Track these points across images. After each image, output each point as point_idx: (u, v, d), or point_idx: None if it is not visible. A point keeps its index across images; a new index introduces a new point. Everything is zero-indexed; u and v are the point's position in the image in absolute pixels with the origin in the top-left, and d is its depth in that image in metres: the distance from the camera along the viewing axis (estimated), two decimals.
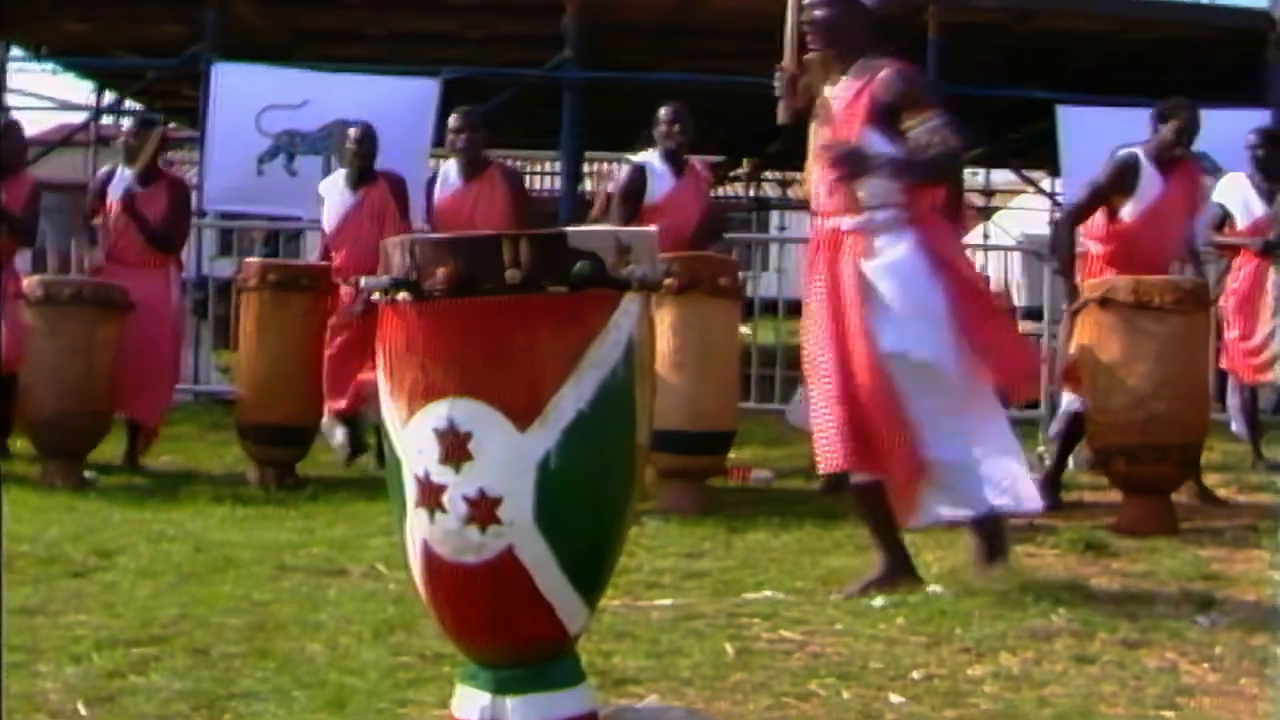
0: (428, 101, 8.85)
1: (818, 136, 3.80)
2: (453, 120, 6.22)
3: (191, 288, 9.05)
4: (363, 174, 6.33)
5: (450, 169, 6.22)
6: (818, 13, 3.76)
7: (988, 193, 19.07)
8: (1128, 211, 5.47)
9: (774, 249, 15.07)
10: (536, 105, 10.64)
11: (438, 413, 2.26)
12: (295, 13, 10.64)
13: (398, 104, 8.61)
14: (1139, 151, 5.50)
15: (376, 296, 2.47)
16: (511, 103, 9.88)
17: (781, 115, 3.93)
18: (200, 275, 9.68)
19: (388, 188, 6.34)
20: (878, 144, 3.65)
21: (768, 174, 19.84)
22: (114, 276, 6.24)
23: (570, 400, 2.26)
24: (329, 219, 6.34)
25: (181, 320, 6.83)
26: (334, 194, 6.37)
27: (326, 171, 8.07)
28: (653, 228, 2.68)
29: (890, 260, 3.66)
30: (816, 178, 3.80)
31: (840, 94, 3.75)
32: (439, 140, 7.68)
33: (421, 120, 8.67)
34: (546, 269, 2.29)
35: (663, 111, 6.01)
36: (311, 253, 7.38)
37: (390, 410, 2.39)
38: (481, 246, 2.35)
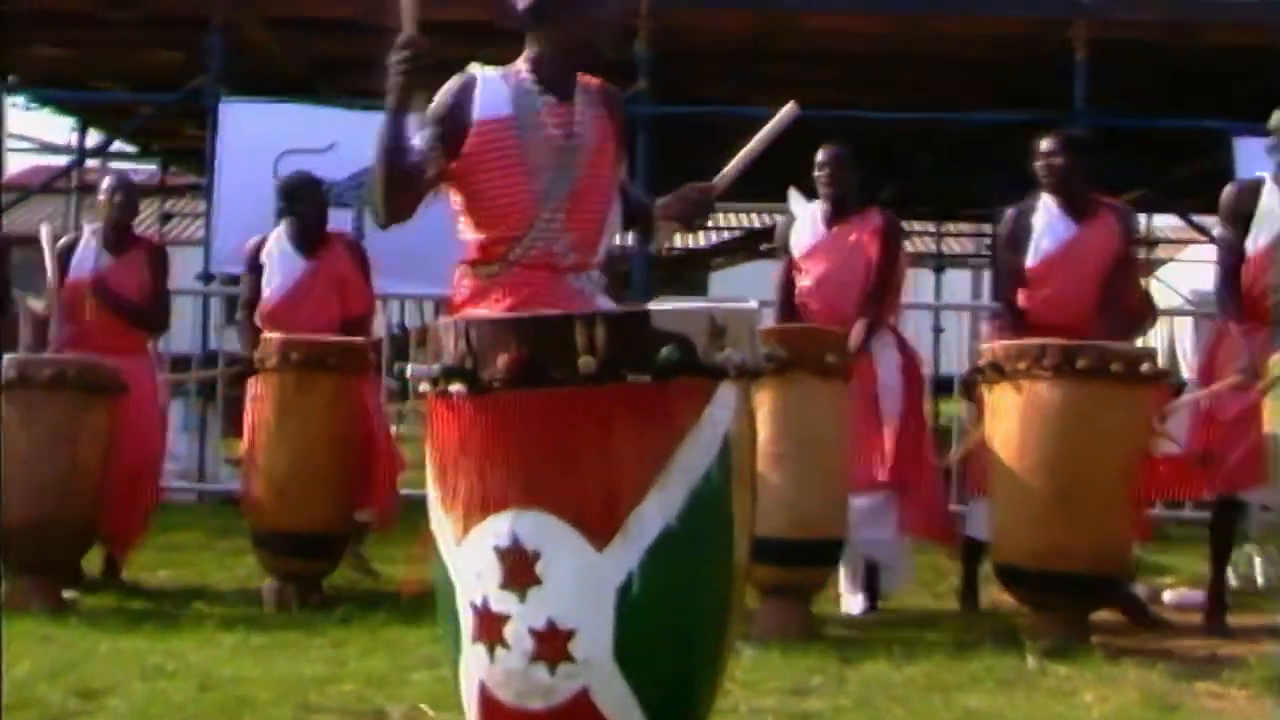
0: None
1: None
2: None
3: (196, 365, 9.16)
4: (308, 235, 6.49)
5: None
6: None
7: (1150, 242, 18.94)
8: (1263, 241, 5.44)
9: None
10: None
11: (499, 528, 2.31)
12: (317, 38, 10.71)
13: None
14: (1267, 176, 5.50)
15: (425, 388, 2.53)
16: None
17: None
18: (206, 350, 9.77)
19: (345, 250, 6.53)
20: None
21: None
22: None
23: (655, 512, 2.29)
24: (268, 289, 6.47)
25: (163, 411, 6.89)
26: (277, 261, 6.50)
27: (359, 227, 8.19)
28: (751, 303, 2.71)
29: None
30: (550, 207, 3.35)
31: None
32: None
33: None
34: (626, 355, 2.34)
35: (819, 154, 6.12)
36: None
37: (441, 524, 2.43)
38: (550, 328, 2.41)
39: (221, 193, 9.24)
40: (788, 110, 3.63)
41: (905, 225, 20.18)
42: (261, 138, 9.11)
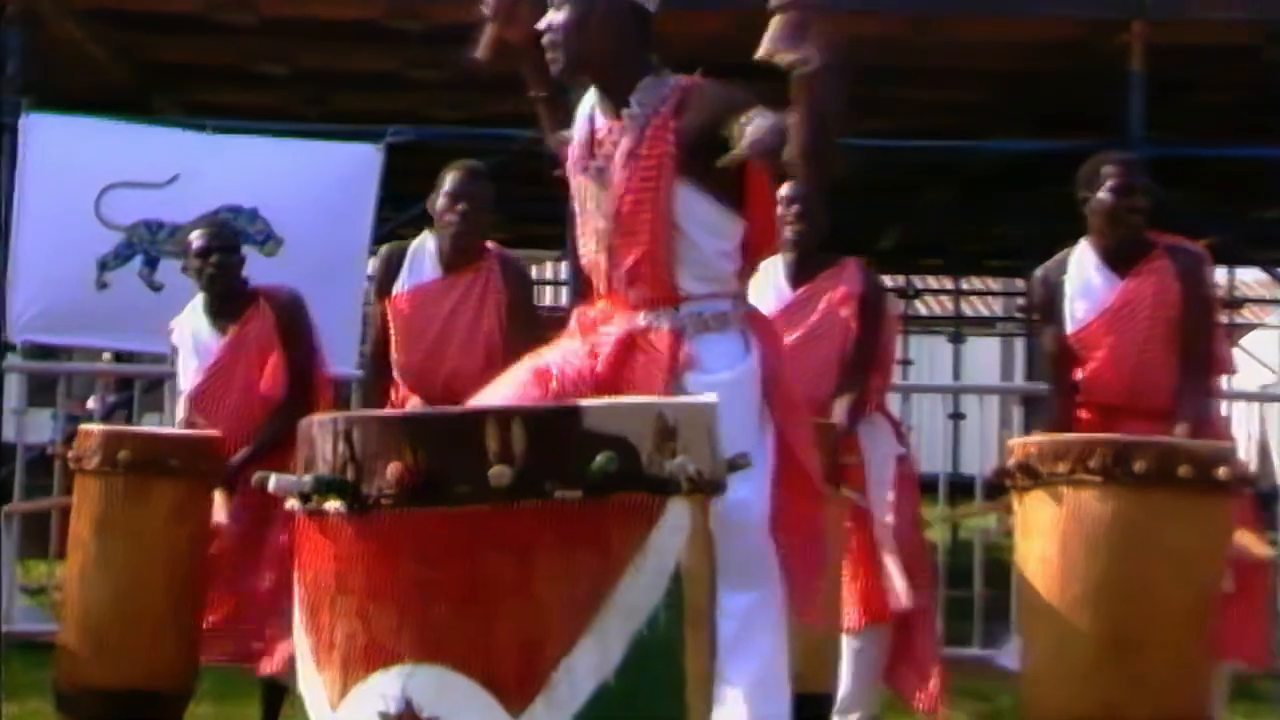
0: (364, 179, 8.99)
1: (588, 197, 4.05)
2: (449, 180, 6.14)
3: None
4: (227, 300, 6.41)
5: (427, 251, 6.19)
6: (561, 15, 3.97)
7: (1230, 302, 19.09)
8: None
9: (893, 399, 15.10)
10: (535, 182, 10.70)
11: (387, 687, 2.34)
12: (153, 40, 10.70)
13: (317, 182, 8.86)
14: None
15: (292, 504, 2.57)
16: (496, 177, 9.93)
17: (482, 48, 4.25)
18: None
19: (272, 315, 6.42)
20: (694, 207, 3.89)
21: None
22: None
23: (588, 667, 2.34)
24: (187, 377, 6.44)
25: None
26: (190, 339, 6.47)
27: None
28: (709, 397, 2.77)
29: (725, 377, 3.83)
30: (597, 251, 4.03)
31: (616, 135, 3.96)
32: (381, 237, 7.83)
33: (355, 206, 8.86)
34: (551, 464, 2.39)
35: (783, 189, 6.12)
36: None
37: (312, 682, 2.46)
38: (453, 427, 2.47)
39: (23, 236, 9.06)
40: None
41: (917, 282, 20.24)
42: (79, 166, 9.05)
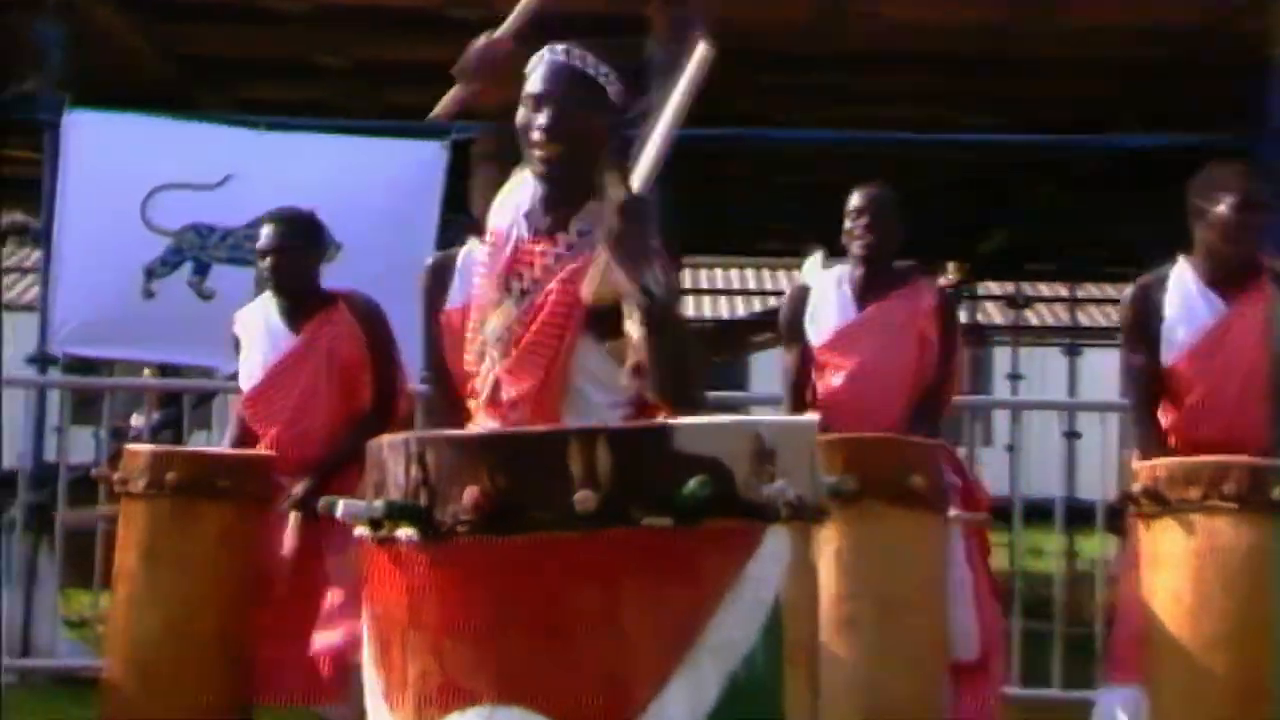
0: (428, 179, 9.01)
1: (490, 309, 3.88)
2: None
3: (25, 484, 9.12)
4: (300, 300, 6.41)
5: (478, 261, 6.17)
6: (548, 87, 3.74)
7: None
8: None
9: (1001, 416, 15.00)
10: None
11: None
12: (197, 30, 10.72)
13: (378, 183, 8.91)
14: None
15: (362, 531, 2.59)
16: None
17: (444, 106, 4.14)
18: (39, 462, 9.68)
19: (352, 319, 6.39)
20: (589, 360, 3.75)
21: (985, 287, 19.96)
22: None
23: (679, 709, 2.35)
24: (249, 373, 6.44)
25: None
26: (259, 332, 6.46)
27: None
28: (811, 416, 2.79)
29: None
30: (485, 372, 3.89)
31: (546, 257, 3.81)
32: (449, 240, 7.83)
33: (419, 209, 8.88)
34: (639, 489, 2.40)
35: (853, 199, 6.11)
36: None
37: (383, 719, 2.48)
38: (535, 451, 2.47)
39: (65, 242, 9.16)
40: (702, 53, 3.69)
41: (1028, 289, 19.94)
42: (125, 167, 9.12)
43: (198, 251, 9.03)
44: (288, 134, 9.43)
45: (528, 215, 3.81)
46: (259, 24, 10.26)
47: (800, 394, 6.11)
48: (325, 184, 8.17)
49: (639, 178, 3.55)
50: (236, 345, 6.48)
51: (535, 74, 3.74)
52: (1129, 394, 5.90)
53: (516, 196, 3.86)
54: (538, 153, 3.71)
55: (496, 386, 3.80)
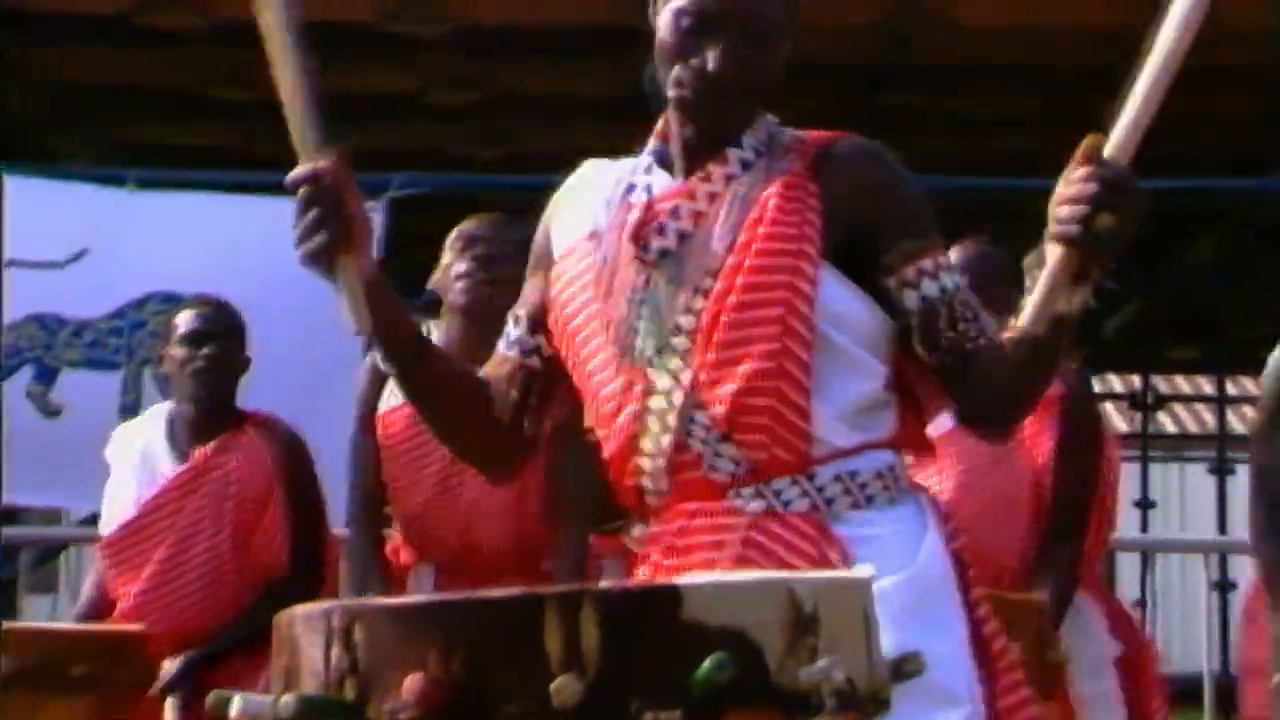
0: None
1: (628, 307, 3.67)
2: (460, 235, 6.18)
3: None
4: (210, 418, 6.45)
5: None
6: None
7: None
8: None
9: (1128, 562, 15.01)
10: None
11: None
12: (57, 53, 10.92)
13: (287, 258, 8.85)
14: None
15: None
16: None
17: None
18: None
19: (263, 447, 6.44)
20: (842, 306, 3.62)
21: (1105, 381, 20.18)
22: None
23: None
24: (115, 515, 6.48)
25: None
26: (136, 459, 6.51)
27: (133, 406, 8.28)
28: (864, 570, 2.73)
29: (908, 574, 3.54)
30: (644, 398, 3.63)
31: (706, 190, 3.67)
32: None
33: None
34: (638, 671, 2.39)
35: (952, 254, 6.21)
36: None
37: None
38: (497, 619, 2.46)
39: None
40: None
41: (1161, 384, 20.32)
42: None
43: (41, 351, 9.07)
44: (164, 193, 9.51)
45: (660, 160, 3.72)
46: (137, 45, 10.40)
47: None
48: (215, 261, 8.24)
49: (1115, 144, 3.59)
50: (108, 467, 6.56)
51: None
52: (1259, 514, 5.54)
53: (594, 195, 3.79)
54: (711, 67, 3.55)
55: (688, 409, 3.55)
